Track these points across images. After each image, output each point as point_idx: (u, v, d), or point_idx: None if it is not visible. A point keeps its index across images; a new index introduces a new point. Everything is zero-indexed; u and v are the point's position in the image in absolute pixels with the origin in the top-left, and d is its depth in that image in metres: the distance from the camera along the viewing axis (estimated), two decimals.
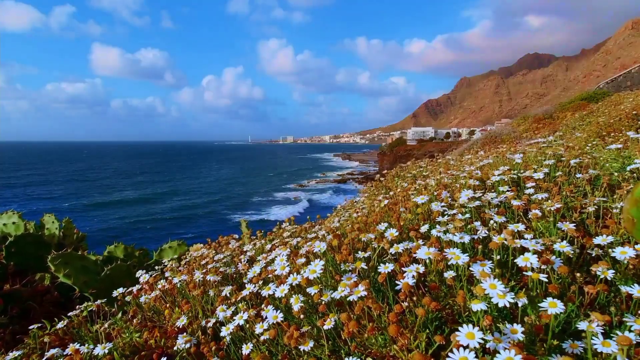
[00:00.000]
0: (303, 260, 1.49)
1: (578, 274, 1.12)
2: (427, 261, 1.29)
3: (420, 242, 1.40)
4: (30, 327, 1.78)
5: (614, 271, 1.10)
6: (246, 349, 1.31)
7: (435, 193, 2.05)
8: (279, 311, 1.36)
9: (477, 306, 0.99)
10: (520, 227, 1.38)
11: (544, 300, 0.99)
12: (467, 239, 1.34)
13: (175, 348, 1.44)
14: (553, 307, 0.96)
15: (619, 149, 2.25)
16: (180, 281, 1.96)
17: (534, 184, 1.87)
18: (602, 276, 1.09)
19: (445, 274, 1.20)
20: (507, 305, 0.98)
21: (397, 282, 1.20)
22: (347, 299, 1.23)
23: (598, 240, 1.25)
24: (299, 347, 1.20)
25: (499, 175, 2.03)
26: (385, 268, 1.29)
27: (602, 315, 0.91)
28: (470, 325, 0.92)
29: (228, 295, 1.67)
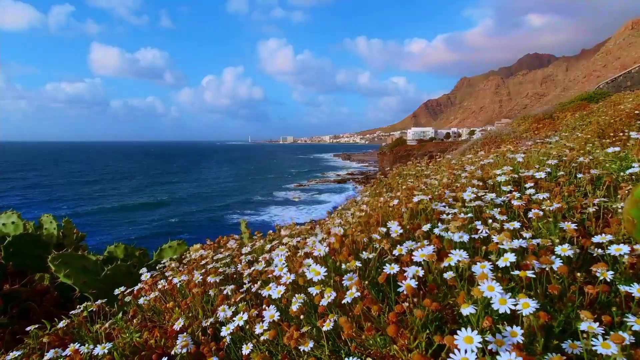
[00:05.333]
0: (310, 260, 1.49)
1: (578, 274, 1.12)
2: (428, 261, 1.29)
3: (425, 242, 1.39)
4: (29, 328, 1.78)
5: (613, 272, 1.10)
6: (246, 349, 1.31)
7: (437, 193, 2.04)
8: (276, 311, 1.36)
9: (466, 310, 0.99)
10: (519, 226, 1.38)
11: (537, 300, 0.99)
12: (465, 238, 1.34)
13: (173, 352, 1.43)
14: (526, 307, 0.95)
15: (616, 151, 2.25)
16: (180, 281, 1.96)
17: (534, 183, 1.87)
18: (601, 277, 1.09)
19: (445, 275, 1.19)
20: (508, 311, 0.97)
21: (398, 282, 1.20)
22: (345, 300, 1.23)
23: (597, 238, 1.25)
24: (299, 347, 1.20)
25: (500, 174, 2.03)
26: (391, 269, 1.28)
27: (591, 314, 0.93)
28: (469, 329, 0.92)
29: (229, 294, 1.67)
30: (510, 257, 1.16)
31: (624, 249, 1.14)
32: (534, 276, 1.08)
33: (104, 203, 41.49)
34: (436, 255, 1.25)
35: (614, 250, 1.16)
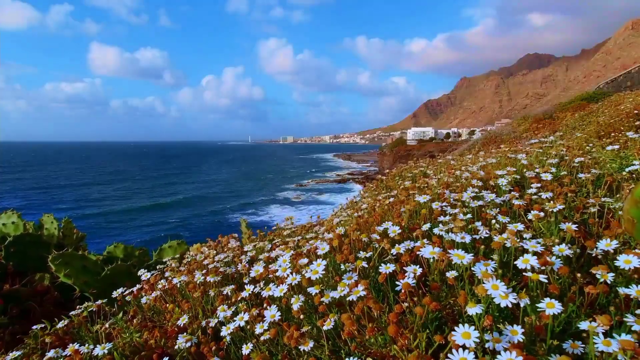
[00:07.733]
0: (305, 260, 1.49)
1: (579, 275, 1.12)
2: (430, 260, 1.29)
3: (425, 241, 1.39)
4: (34, 327, 1.78)
5: (613, 274, 1.09)
6: (246, 349, 1.31)
7: (438, 192, 2.04)
8: (277, 310, 1.36)
9: (473, 310, 0.98)
10: (520, 227, 1.38)
11: (542, 300, 0.99)
12: (468, 238, 1.34)
13: (176, 347, 1.44)
14: (551, 307, 0.95)
15: (617, 149, 2.25)
16: (180, 281, 1.95)
17: (536, 184, 1.87)
18: (601, 280, 1.08)
19: (448, 274, 1.19)
20: (510, 305, 0.97)
21: (397, 282, 1.20)
22: (347, 299, 1.23)
23: (602, 245, 1.23)
24: (299, 347, 1.20)
25: (502, 175, 2.03)
26: (387, 268, 1.28)
27: (606, 318, 0.91)
28: (467, 325, 0.92)
29: (229, 294, 1.67)
30: (532, 260, 1.12)
31: (634, 261, 1.07)
32: (546, 280, 1.07)
33: (103, 205, 41.41)
34: (437, 255, 1.25)
35: (622, 262, 1.09)
